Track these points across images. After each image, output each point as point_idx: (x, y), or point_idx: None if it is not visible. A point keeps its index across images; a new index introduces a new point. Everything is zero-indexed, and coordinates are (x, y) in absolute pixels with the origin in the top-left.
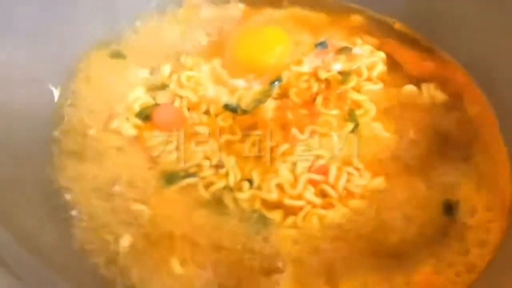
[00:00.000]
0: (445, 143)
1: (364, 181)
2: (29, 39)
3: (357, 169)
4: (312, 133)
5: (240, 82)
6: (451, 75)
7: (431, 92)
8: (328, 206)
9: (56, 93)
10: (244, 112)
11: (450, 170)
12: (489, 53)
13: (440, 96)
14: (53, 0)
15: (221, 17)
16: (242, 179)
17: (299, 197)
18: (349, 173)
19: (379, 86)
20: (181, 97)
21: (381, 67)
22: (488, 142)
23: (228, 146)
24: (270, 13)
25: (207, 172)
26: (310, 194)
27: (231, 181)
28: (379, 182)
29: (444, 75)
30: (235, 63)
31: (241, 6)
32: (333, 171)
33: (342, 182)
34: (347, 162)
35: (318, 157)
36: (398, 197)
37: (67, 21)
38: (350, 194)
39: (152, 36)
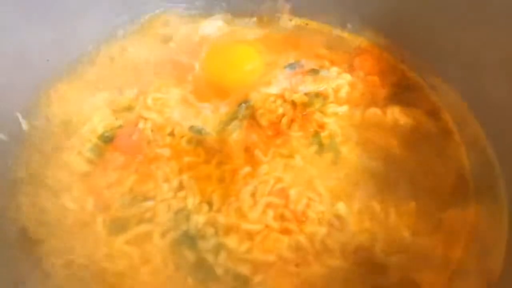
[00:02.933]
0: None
1: (323, 207)
2: None
3: (319, 194)
4: (275, 155)
5: (207, 105)
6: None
7: (395, 115)
8: (286, 231)
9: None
10: (210, 134)
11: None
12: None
13: (403, 119)
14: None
15: (193, 36)
16: (201, 202)
17: (258, 221)
18: (309, 198)
19: (344, 108)
20: (145, 118)
21: (346, 89)
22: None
23: (190, 168)
24: (245, 32)
25: (166, 195)
26: (269, 218)
27: (190, 202)
28: (339, 208)
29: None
30: (204, 81)
31: (219, 23)
32: (293, 195)
33: (300, 207)
34: (309, 186)
35: (279, 180)
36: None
37: (29, 47)
38: (308, 219)
39: (119, 58)
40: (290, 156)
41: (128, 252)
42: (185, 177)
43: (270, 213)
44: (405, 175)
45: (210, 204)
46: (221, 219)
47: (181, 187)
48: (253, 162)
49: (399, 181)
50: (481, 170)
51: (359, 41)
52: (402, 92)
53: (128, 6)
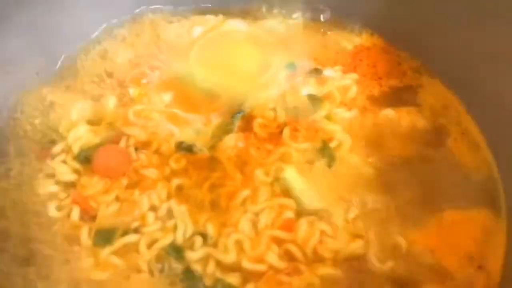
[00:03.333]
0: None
1: (339, 244)
2: None
3: (333, 225)
4: (278, 173)
5: (196, 117)
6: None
7: (412, 117)
8: (294, 272)
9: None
10: (201, 151)
11: None
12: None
13: (421, 121)
14: None
15: (182, 37)
16: (194, 234)
17: (260, 259)
18: (321, 232)
19: (353, 112)
20: (128, 135)
21: (355, 90)
22: None
23: (179, 193)
24: (236, 33)
25: (152, 227)
26: (273, 256)
27: (180, 235)
28: (357, 246)
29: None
30: (192, 86)
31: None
32: (302, 227)
33: (312, 243)
34: (321, 214)
35: (284, 207)
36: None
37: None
38: (320, 258)
39: (98, 64)
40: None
41: (115, 263)
42: (174, 203)
43: (275, 249)
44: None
45: (204, 236)
46: (219, 255)
47: (170, 215)
48: (252, 183)
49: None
50: (480, 170)
51: (358, 40)
52: (404, 92)
53: (115, 6)
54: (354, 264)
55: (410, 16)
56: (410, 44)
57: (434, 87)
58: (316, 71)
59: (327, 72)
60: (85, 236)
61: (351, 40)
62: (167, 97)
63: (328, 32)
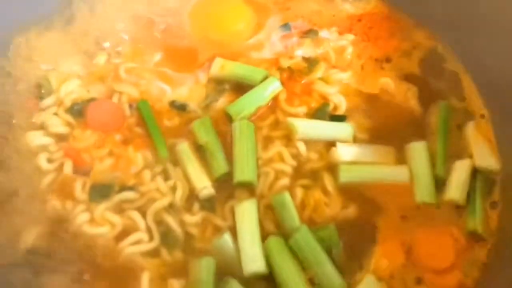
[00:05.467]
0: None
1: (332, 211)
2: None
3: (326, 193)
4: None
5: (186, 76)
6: None
7: (407, 94)
8: None
9: None
10: (194, 111)
11: None
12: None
13: (414, 102)
14: None
15: None
16: (191, 196)
17: None
18: (315, 201)
19: (349, 73)
20: (120, 92)
21: (350, 51)
22: None
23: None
24: None
25: (149, 186)
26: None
27: (178, 196)
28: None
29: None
30: (186, 43)
31: None
32: (298, 195)
33: (307, 213)
34: (316, 180)
35: (281, 173)
36: None
37: None
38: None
39: (87, 17)
40: (291, 140)
41: (111, 219)
42: (169, 165)
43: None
44: None
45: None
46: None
47: (166, 176)
48: None
49: None
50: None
51: (360, 4)
52: (402, 57)
53: None
54: None
55: None
56: (416, 12)
57: (436, 51)
58: (312, 32)
59: (323, 33)
60: (79, 190)
61: (352, 3)
62: (157, 56)
63: None
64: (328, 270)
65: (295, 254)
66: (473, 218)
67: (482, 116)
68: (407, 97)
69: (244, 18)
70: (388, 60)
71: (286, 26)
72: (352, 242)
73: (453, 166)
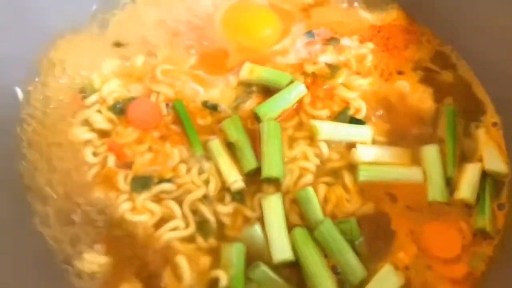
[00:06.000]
0: None
1: (353, 206)
2: None
3: (347, 190)
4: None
5: (218, 78)
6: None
7: (423, 95)
8: None
9: (20, 92)
10: (225, 111)
11: None
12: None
13: (429, 103)
14: None
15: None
16: (223, 188)
17: None
18: (337, 197)
19: (369, 80)
20: (157, 92)
21: (370, 58)
22: None
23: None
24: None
25: (185, 178)
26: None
27: (211, 188)
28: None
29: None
30: (216, 48)
31: None
32: (321, 191)
33: (329, 207)
34: (337, 178)
35: (305, 170)
36: None
37: (26, 13)
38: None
39: (127, 22)
40: (314, 141)
41: (151, 208)
42: (203, 159)
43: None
44: None
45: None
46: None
47: (200, 170)
48: None
49: None
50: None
51: (382, 15)
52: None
53: None
54: None
55: None
56: (435, 24)
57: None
58: (334, 40)
59: (344, 41)
60: (122, 181)
61: (373, 14)
62: (191, 59)
63: (355, 4)
64: (350, 259)
65: (319, 245)
66: (482, 217)
67: (495, 124)
68: (423, 98)
69: (271, 24)
70: (403, 67)
71: (310, 33)
72: (371, 235)
73: (464, 168)
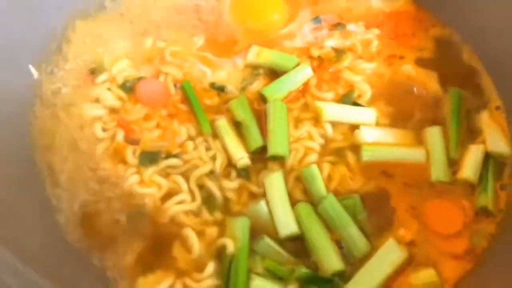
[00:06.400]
0: None
1: (356, 184)
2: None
3: (350, 169)
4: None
5: (225, 61)
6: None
7: (428, 79)
8: None
9: (34, 71)
10: (232, 92)
11: None
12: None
13: (435, 87)
14: None
15: None
16: (229, 165)
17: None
18: (341, 175)
19: (373, 64)
20: (165, 73)
21: (376, 44)
22: None
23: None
24: None
25: (192, 154)
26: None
27: (218, 165)
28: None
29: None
30: (224, 30)
31: None
32: (325, 170)
33: (333, 185)
34: (341, 157)
35: (309, 149)
36: None
37: None
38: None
39: (136, 5)
40: (319, 121)
41: (159, 181)
42: (210, 138)
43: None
44: None
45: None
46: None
47: (207, 147)
48: None
49: None
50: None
51: (389, 3)
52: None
53: None
54: None
55: None
56: (440, 10)
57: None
58: (340, 25)
59: (350, 26)
60: (130, 155)
61: (383, 1)
62: (199, 41)
63: None
64: (353, 232)
65: (323, 220)
66: (485, 195)
67: (498, 107)
68: (427, 81)
69: (278, 9)
70: (409, 53)
71: (317, 19)
72: (373, 212)
73: (467, 149)
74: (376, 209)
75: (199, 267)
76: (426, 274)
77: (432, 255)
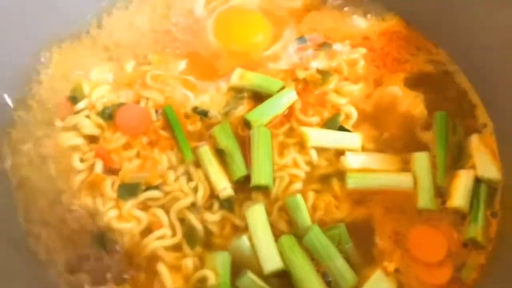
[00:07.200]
0: None
1: (341, 213)
2: None
3: (336, 197)
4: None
5: (208, 84)
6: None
7: (415, 100)
8: None
9: (8, 99)
10: (215, 117)
11: None
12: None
13: (421, 108)
14: None
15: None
16: (212, 196)
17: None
18: (326, 204)
19: (360, 85)
20: (146, 98)
21: (362, 64)
22: None
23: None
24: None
25: (173, 186)
26: (283, 224)
27: (200, 196)
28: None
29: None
30: (205, 56)
31: None
32: (310, 199)
33: (318, 214)
34: (326, 185)
35: (295, 177)
36: None
37: (17, 21)
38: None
39: (119, 29)
40: (304, 148)
41: (138, 216)
42: (192, 167)
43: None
44: None
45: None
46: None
47: (189, 177)
48: None
49: None
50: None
51: (376, 22)
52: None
53: None
54: None
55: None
56: (429, 30)
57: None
58: (326, 45)
59: (336, 46)
60: (109, 187)
61: (368, 21)
62: (182, 64)
63: (345, 8)
64: (340, 264)
65: (309, 252)
66: (474, 226)
67: (488, 130)
68: (415, 103)
69: (262, 29)
70: (398, 74)
71: (301, 39)
72: (359, 242)
73: (456, 175)
74: (362, 238)
75: None
76: None
77: (416, 286)
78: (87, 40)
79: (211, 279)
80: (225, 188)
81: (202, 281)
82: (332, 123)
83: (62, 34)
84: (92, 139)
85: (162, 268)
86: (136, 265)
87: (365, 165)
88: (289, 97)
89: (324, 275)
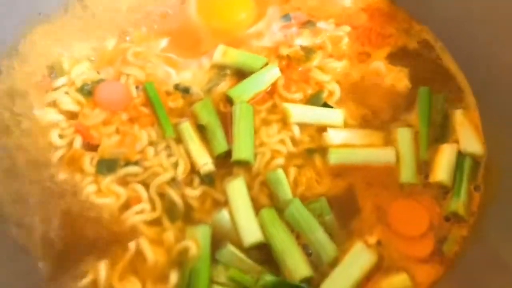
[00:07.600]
0: None
1: (323, 188)
2: None
3: (317, 172)
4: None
5: (190, 61)
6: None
7: (399, 75)
8: None
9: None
10: (197, 94)
11: None
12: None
13: (405, 83)
14: None
15: None
16: (192, 171)
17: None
18: (307, 179)
19: (343, 62)
20: (127, 74)
21: (346, 41)
22: None
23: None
24: None
25: (152, 161)
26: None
27: (180, 171)
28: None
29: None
30: (189, 30)
31: None
32: (292, 174)
33: (299, 190)
34: (309, 160)
35: (277, 153)
36: None
37: None
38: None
39: (100, 6)
40: (287, 123)
41: (117, 191)
42: (172, 142)
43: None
44: None
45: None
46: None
47: (169, 153)
48: None
49: None
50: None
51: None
52: (395, 47)
53: None
54: None
55: None
56: (412, 6)
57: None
58: (310, 23)
59: (321, 24)
60: (87, 163)
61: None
62: (164, 42)
63: None
64: (320, 237)
65: (290, 225)
66: (456, 199)
67: (471, 105)
68: (398, 78)
69: (246, 7)
70: (381, 50)
71: (286, 16)
72: (341, 217)
73: (439, 149)
74: (343, 213)
75: (163, 277)
76: (399, 279)
77: (398, 258)
78: (68, 17)
79: (193, 249)
80: (206, 163)
81: (184, 253)
82: (316, 100)
83: (43, 11)
84: (71, 116)
85: (143, 241)
86: (117, 240)
87: (348, 141)
88: (272, 73)
89: (304, 247)
